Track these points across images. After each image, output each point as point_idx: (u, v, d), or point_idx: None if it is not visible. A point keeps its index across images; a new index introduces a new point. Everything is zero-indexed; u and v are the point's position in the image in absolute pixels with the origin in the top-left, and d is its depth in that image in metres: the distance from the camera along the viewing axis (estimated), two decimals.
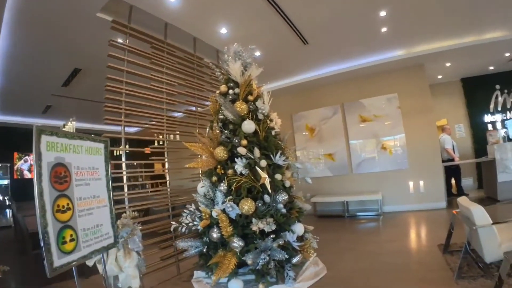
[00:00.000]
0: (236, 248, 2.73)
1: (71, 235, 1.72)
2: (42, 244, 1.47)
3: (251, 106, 3.43)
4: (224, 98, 3.39)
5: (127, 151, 3.64)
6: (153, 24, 3.93)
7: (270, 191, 3.02)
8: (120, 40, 3.61)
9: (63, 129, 6.50)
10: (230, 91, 3.48)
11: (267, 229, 2.78)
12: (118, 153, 10.41)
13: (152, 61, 3.79)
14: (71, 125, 6.23)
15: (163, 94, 3.89)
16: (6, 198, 8.72)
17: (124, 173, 3.44)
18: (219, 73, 3.73)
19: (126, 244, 2.39)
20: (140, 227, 2.70)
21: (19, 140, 8.36)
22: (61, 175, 1.72)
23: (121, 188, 3.31)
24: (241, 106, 3.37)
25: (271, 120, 3.56)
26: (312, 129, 7.39)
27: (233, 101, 3.42)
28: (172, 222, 3.22)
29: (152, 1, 3.60)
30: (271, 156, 3.28)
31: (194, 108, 4.43)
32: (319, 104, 7.36)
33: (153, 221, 3.61)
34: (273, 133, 3.49)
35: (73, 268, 1.77)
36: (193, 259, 3.36)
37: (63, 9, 3.55)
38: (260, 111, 3.40)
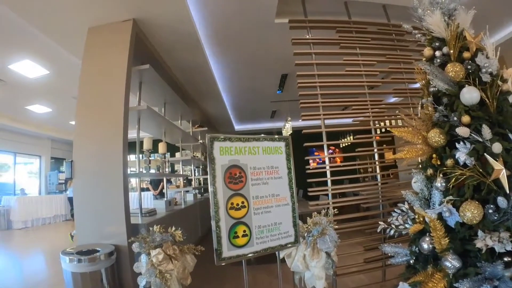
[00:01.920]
0: (449, 269, 2.13)
1: (244, 231, 1.99)
2: (213, 236, 1.80)
3: (469, 66, 2.59)
4: (431, 64, 2.75)
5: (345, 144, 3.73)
6: (332, 8, 3.90)
7: (507, 191, 2.15)
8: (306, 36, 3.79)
9: (283, 129, 7.60)
10: (437, 53, 2.74)
11: (498, 248, 1.97)
12: (344, 145, 11.21)
13: (341, 45, 3.73)
14: (288, 126, 7.22)
15: (362, 78, 3.72)
16: None
17: (327, 167, 3.57)
18: (419, 35, 3.15)
19: (315, 243, 2.46)
20: (337, 226, 2.71)
21: None
22: (235, 176, 2.03)
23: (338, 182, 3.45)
24: (453, 69, 2.56)
25: (504, 81, 2.59)
26: None
27: (444, 64, 2.72)
28: (380, 222, 3.02)
29: None
30: (510, 135, 2.34)
31: (404, 86, 3.97)
32: None
33: (363, 218, 3.54)
34: (510, 99, 2.52)
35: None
36: (403, 267, 3.04)
37: (247, 29, 4.27)
38: (484, 70, 2.51)
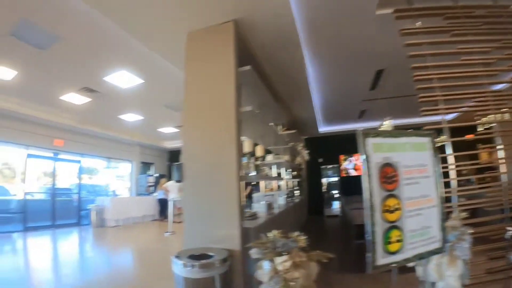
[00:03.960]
0: None
1: (398, 236, 1.82)
2: (368, 242, 1.67)
3: None
4: None
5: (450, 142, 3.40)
6: None
7: None
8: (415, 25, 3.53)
9: (379, 129, 7.25)
10: None
11: None
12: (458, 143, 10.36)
13: (452, 33, 3.39)
14: (388, 124, 6.81)
15: (478, 67, 3.35)
16: (335, 192, 11.53)
17: (453, 167, 3.28)
18: None
19: (452, 249, 2.22)
20: (472, 231, 2.44)
21: (342, 145, 11.05)
22: (389, 175, 1.86)
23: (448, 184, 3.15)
24: None
25: None
26: None
27: None
28: (508, 228, 2.67)
29: None
30: None
31: None
32: None
33: (482, 224, 3.16)
34: None
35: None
36: None
37: (346, 23, 4.12)
38: None
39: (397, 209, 1.84)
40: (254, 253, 2.30)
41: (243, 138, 4.64)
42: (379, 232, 1.75)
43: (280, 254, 2.22)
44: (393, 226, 1.82)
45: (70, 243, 7.90)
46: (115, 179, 13.76)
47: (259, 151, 4.48)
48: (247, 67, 3.70)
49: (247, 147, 3.95)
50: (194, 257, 2.66)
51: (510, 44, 3.47)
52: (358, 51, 4.93)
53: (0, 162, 9.58)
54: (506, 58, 3.48)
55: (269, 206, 4.32)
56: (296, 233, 2.34)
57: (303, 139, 10.90)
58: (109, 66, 5.84)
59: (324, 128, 10.75)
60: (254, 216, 3.79)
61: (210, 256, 2.68)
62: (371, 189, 1.74)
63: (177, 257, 2.64)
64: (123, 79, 6.40)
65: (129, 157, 13.43)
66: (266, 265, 2.22)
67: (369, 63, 5.44)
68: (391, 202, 1.82)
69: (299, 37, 4.20)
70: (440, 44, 3.38)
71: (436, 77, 3.27)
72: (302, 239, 2.30)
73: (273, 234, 2.39)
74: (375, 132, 1.88)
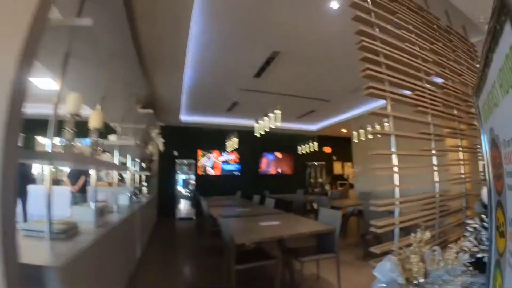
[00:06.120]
0: None
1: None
2: None
3: None
4: None
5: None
6: None
7: None
8: None
9: (260, 125, 6.36)
10: None
11: None
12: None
13: (397, 15, 2.64)
14: (270, 121, 6.01)
15: (418, 59, 2.70)
16: (189, 191, 9.97)
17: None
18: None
19: None
20: None
21: (202, 139, 10.23)
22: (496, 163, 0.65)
23: None
24: None
25: None
26: None
27: None
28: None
29: None
30: None
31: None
32: None
33: None
34: None
35: None
36: None
37: None
38: None
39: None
40: None
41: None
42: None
43: None
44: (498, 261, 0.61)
45: None
46: None
47: (94, 120, 2.67)
48: None
49: (72, 103, 2.15)
50: None
51: (439, 50, 2.97)
52: (260, 21, 3.84)
53: None
54: (437, 62, 2.92)
55: (101, 212, 2.63)
56: None
57: (159, 126, 9.14)
58: None
59: (187, 118, 9.27)
60: (71, 231, 2.06)
61: None
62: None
63: None
64: None
65: None
66: None
67: (267, 40, 4.36)
68: (500, 215, 0.65)
69: None
70: (385, 22, 2.54)
71: (383, 52, 2.36)
72: None
73: None
74: None
